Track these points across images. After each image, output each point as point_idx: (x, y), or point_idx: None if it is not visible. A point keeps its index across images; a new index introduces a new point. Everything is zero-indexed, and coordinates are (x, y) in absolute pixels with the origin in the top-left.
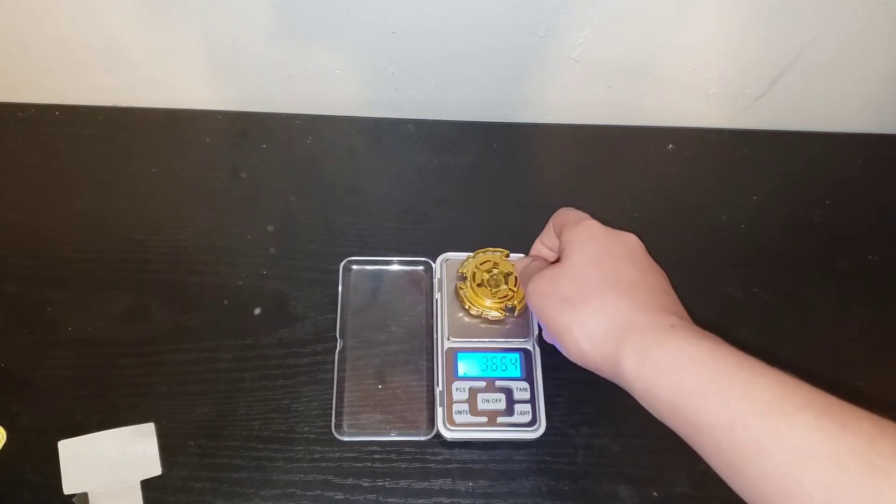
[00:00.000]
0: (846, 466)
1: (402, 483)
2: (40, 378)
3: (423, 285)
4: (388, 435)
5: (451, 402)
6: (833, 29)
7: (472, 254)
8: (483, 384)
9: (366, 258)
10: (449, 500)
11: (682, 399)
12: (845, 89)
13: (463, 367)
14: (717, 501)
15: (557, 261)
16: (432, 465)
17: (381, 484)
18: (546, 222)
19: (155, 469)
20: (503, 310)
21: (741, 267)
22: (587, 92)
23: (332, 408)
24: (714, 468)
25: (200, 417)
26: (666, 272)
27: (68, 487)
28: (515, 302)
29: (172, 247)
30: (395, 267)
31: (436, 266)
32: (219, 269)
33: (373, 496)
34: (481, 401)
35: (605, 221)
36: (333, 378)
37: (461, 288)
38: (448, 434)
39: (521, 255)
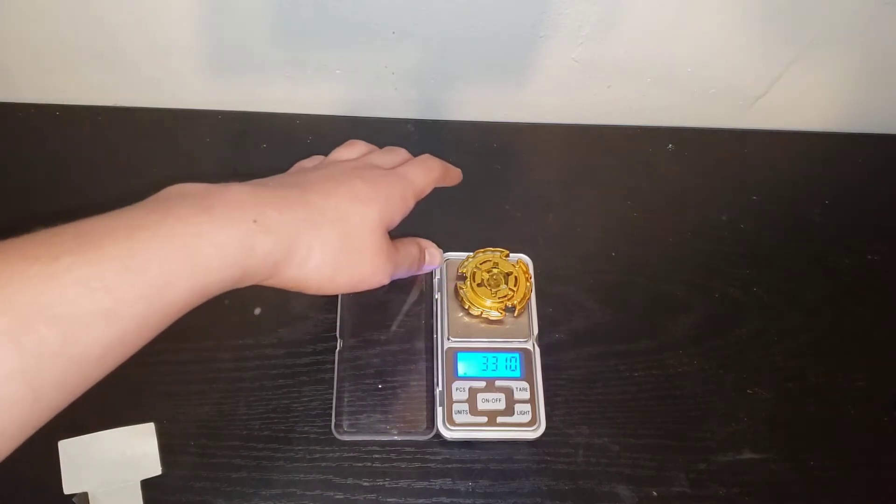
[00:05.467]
0: None
1: (402, 483)
2: None
3: (423, 285)
4: (388, 435)
5: (450, 401)
6: (833, 29)
7: (472, 254)
8: (483, 384)
9: None
10: (449, 500)
11: None
12: (845, 89)
13: (463, 367)
14: (717, 501)
15: None
16: (432, 465)
17: (381, 484)
18: (546, 222)
19: (155, 469)
20: (503, 310)
21: (741, 267)
22: (587, 92)
23: (332, 408)
24: None
25: (200, 417)
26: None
27: (68, 487)
28: (515, 302)
29: None
30: None
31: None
32: None
33: (373, 496)
34: (481, 401)
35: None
36: (333, 378)
37: (461, 288)
38: (448, 434)
39: (521, 255)
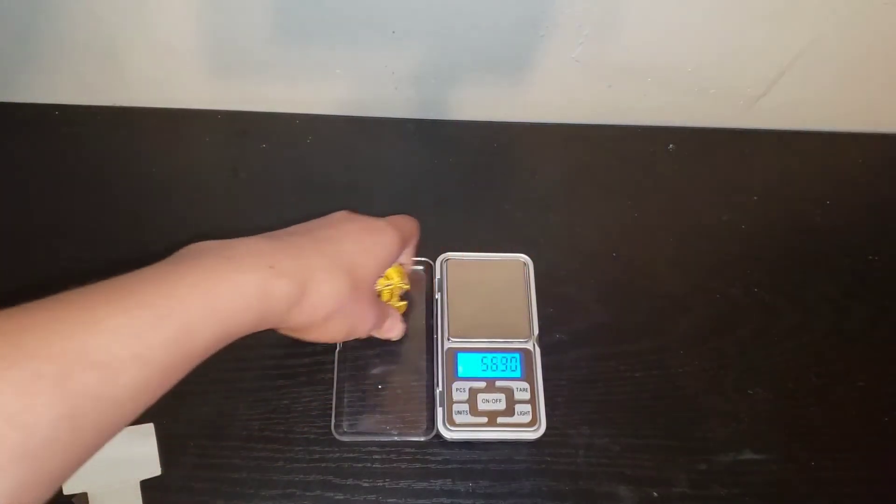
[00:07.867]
0: None
1: (402, 483)
2: None
3: (423, 285)
4: (387, 435)
5: (451, 402)
6: (833, 29)
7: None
8: (483, 384)
9: None
10: (449, 501)
11: None
12: (845, 89)
13: (463, 367)
14: (717, 501)
15: None
16: (432, 466)
17: (381, 484)
18: (546, 222)
19: (155, 469)
20: (399, 299)
21: (741, 267)
22: (587, 92)
23: (331, 408)
24: None
25: (200, 417)
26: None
27: (68, 487)
28: (393, 287)
29: (172, 247)
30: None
31: (436, 266)
32: None
33: (373, 496)
34: (481, 401)
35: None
36: (333, 378)
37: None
38: (448, 434)
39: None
